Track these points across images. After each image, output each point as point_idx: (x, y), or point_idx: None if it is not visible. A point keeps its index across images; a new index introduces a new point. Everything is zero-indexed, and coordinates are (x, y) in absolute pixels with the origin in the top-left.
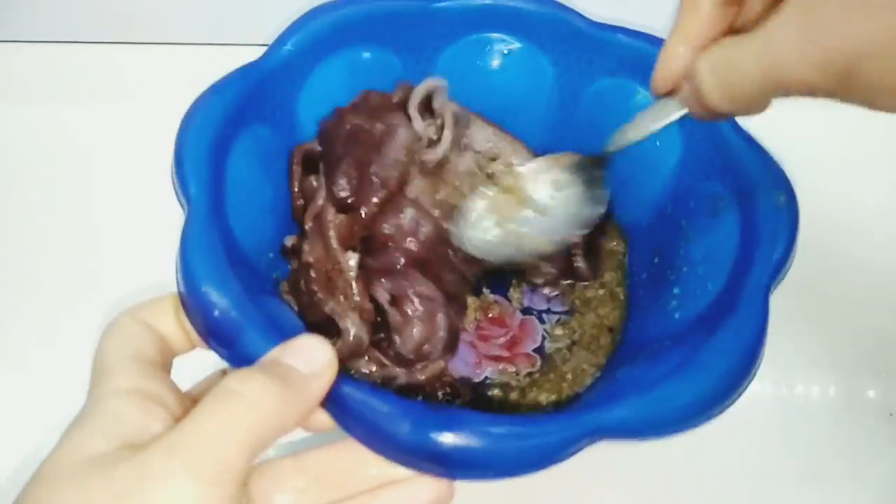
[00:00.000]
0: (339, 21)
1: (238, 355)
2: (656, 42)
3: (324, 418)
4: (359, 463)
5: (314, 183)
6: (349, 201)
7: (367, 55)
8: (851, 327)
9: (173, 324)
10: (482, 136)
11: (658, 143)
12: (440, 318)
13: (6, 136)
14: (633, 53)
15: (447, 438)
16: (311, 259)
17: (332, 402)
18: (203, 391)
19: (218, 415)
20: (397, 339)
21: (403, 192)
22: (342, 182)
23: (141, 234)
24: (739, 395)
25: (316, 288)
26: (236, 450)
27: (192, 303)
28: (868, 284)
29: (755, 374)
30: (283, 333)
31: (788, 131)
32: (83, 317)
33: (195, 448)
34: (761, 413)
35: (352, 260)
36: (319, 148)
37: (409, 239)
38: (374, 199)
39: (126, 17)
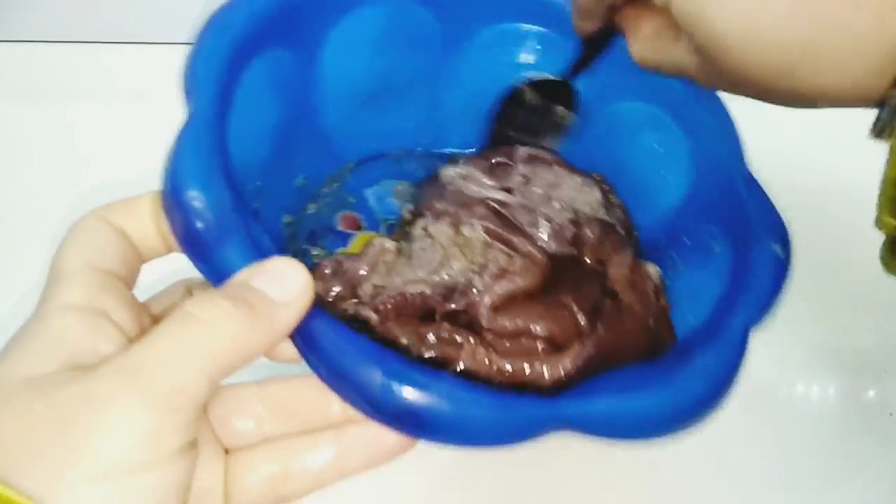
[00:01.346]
0: None
1: (215, 271)
2: None
3: (290, 349)
4: (324, 398)
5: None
6: None
7: (411, 11)
8: (851, 327)
9: (149, 226)
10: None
11: (667, 175)
12: None
13: (6, 136)
14: None
15: (413, 395)
16: None
17: (300, 334)
18: (165, 310)
19: (175, 340)
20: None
21: None
22: None
23: None
24: (703, 419)
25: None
26: (194, 378)
27: (174, 208)
28: (868, 284)
29: (724, 401)
30: (264, 255)
31: (789, 129)
32: None
33: (148, 373)
34: (761, 413)
35: None
36: None
37: None
38: None
39: (128, 16)
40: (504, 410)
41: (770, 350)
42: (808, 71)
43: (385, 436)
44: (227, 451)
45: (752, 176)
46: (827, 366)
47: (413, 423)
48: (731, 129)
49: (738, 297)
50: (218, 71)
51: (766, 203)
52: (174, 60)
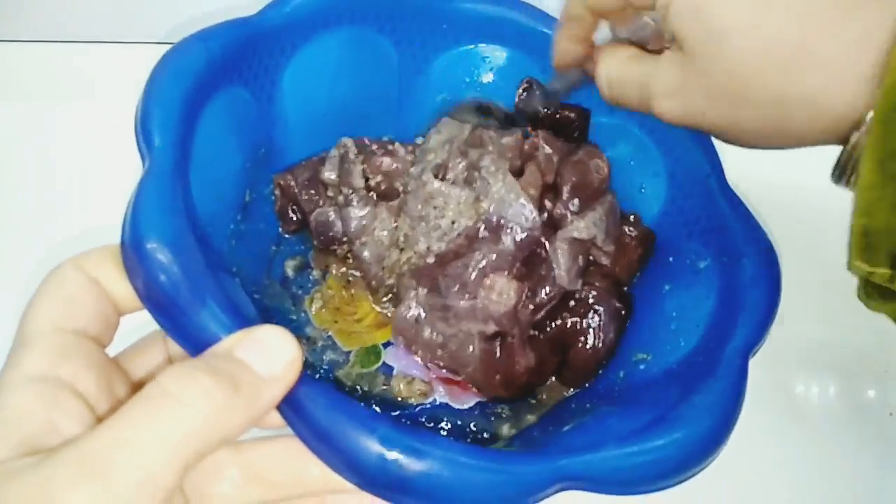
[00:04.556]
0: None
1: (187, 335)
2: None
3: (273, 417)
4: (304, 465)
5: None
6: None
7: (368, 39)
8: (851, 327)
9: (124, 276)
10: None
11: (643, 190)
12: None
13: (6, 135)
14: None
15: (415, 464)
16: None
17: (287, 402)
18: (142, 375)
19: (145, 423)
20: None
21: None
22: None
23: None
24: (713, 459)
25: None
26: (163, 466)
27: (133, 260)
28: None
29: (729, 438)
30: (243, 318)
31: None
32: None
33: (111, 462)
34: (761, 413)
35: None
36: None
37: None
38: None
39: (128, 16)
40: (505, 473)
41: (770, 350)
42: (801, 69)
43: None
44: None
45: (732, 191)
46: (827, 366)
47: (411, 494)
48: (708, 144)
49: (733, 322)
50: (176, 113)
51: (748, 218)
52: None
